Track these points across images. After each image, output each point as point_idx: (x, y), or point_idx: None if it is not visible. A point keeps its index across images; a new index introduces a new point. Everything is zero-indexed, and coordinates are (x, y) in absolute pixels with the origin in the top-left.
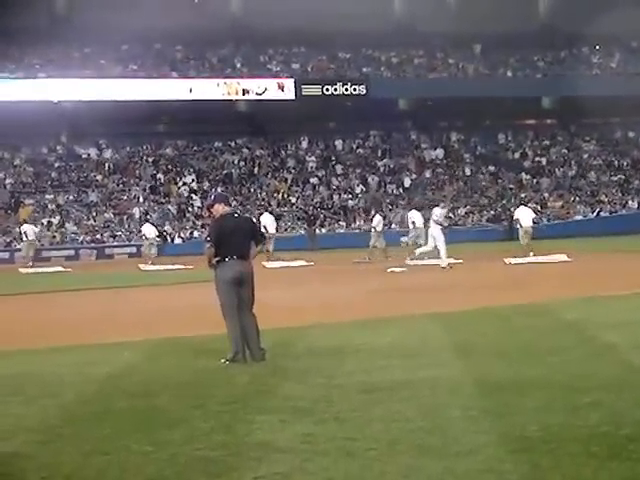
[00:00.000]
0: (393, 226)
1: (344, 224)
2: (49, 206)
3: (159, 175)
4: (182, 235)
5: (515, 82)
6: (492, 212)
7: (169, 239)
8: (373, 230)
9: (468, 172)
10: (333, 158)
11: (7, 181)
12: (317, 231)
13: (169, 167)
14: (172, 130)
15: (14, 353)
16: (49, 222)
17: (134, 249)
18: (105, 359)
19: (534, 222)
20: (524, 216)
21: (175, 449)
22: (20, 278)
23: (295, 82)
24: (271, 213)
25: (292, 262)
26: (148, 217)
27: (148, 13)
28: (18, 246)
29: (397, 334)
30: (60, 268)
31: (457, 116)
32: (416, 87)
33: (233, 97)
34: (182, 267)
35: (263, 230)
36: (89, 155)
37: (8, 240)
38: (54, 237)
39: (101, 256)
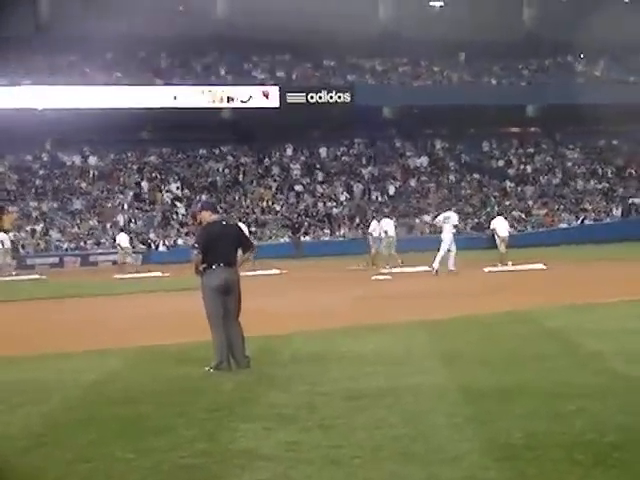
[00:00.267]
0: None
1: (329, 232)
2: (33, 213)
3: (143, 183)
4: (166, 243)
5: (499, 90)
6: (476, 220)
7: (153, 247)
8: (370, 237)
9: (453, 180)
10: (318, 166)
11: None
12: (302, 239)
13: (153, 174)
14: (156, 137)
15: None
16: (33, 229)
17: (117, 257)
18: (89, 367)
19: (509, 232)
20: (500, 226)
21: (159, 457)
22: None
23: (280, 90)
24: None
25: (267, 270)
26: (124, 226)
27: (132, 21)
28: None
29: (381, 341)
30: (37, 276)
31: (442, 124)
32: (401, 95)
33: (218, 105)
34: (159, 275)
35: None
36: (73, 162)
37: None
38: (38, 244)
39: (85, 263)
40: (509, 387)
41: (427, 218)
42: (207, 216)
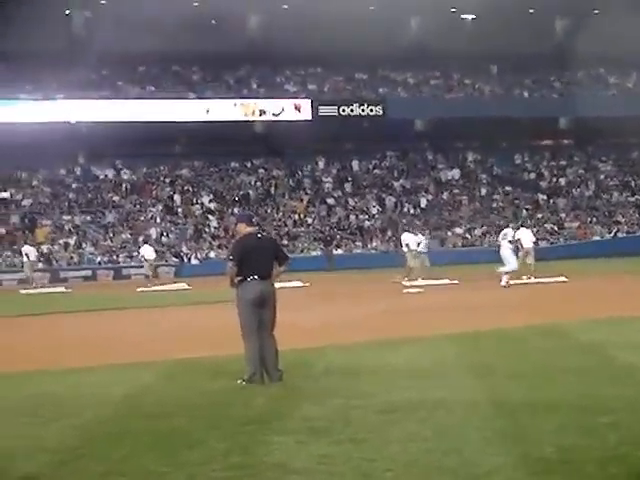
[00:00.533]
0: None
1: (360, 244)
2: (66, 227)
3: (176, 196)
4: (199, 256)
5: (531, 102)
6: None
7: (186, 259)
8: (407, 249)
9: (484, 193)
10: (350, 178)
11: (25, 202)
12: (334, 251)
13: (186, 188)
14: (189, 151)
15: (31, 374)
16: (66, 243)
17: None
18: (122, 380)
19: (534, 243)
20: (525, 237)
21: (192, 470)
22: (24, 299)
23: (312, 103)
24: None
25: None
26: (146, 239)
27: (165, 35)
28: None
29: (413, 354)
30: (62, 289)
31: (473, 137)
32: (432, 108)
33: (250, 118)
34: (182, 288)
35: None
36: (106, 176)
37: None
38: (71, 258)
39: (118, 277)
40: (541, 401)
41: (459, 230)
42: (242, 228)
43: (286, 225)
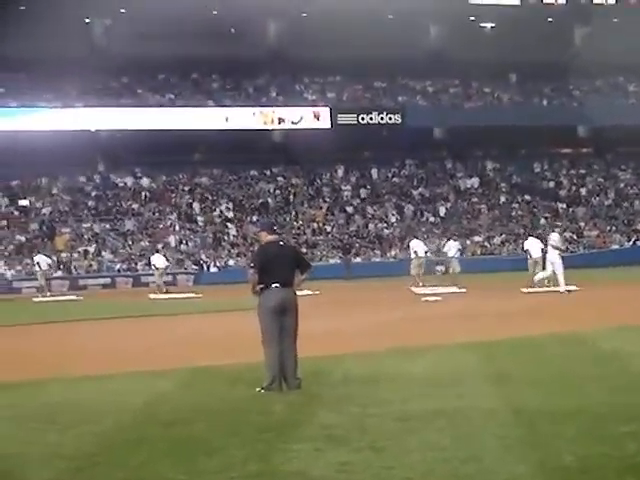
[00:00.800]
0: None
1: (379, 253)
2: (85, 235)
3: (195, 204)
4: (217, 264)
5: (550, 111)
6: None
7: (205, 267)
8: (414, 256)
9: (504, 201)
10: (368, 187)
11: (44, 209)
12: (352, 260)
13: (205, 196)
14: (208, 159)
15: (49, 382)
16: (85, 250)
17: (170, 277)
18: (140, 387)
19: (542, 252)
20: (533, 247)
21: (211, 477)
22: (37, 307)
23: (331, 111)
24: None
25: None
26: (158, 248)
27: (185, 43)
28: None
29: (431, 363)
30: (72, 297)
31: (492, 145)
32: (451, 116)
33: (269, 126)
34: (192, 296)
35: None
36: (125, 184)
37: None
38: (90, 265)
39: (137, 284)
40: (560, 409)
41: (478, 239)
42: (264, 236)
43: (305, 233)
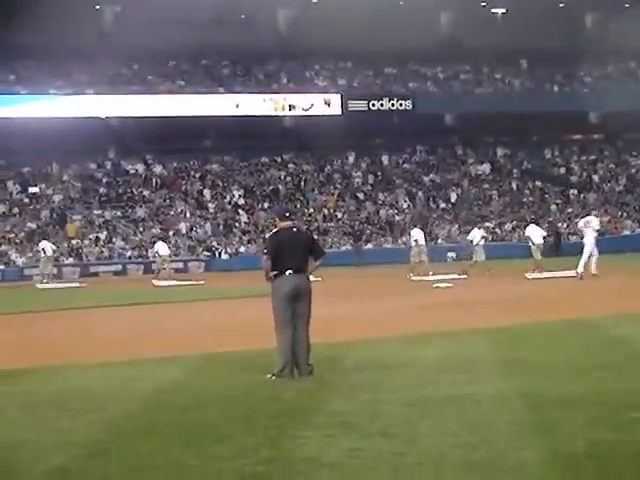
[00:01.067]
0: (439, 241)
1: (390, 239)
2: (96, 221)
3: (206, 190)
4: (229, 250)
5: (561, 97)
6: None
7: (216, 255)
8: (414, 244)
9: (514, 187)
10: (379, 173)
11: (55, 197)
12: (363, 246)
13: (216, 182)
14: (219, 145)
15: (60, 368)
16: (96, 237)
17: (181, 264)
18: (151, 374)
19: (544, 239)
20: (535, 233)
21: (222, 464)
22: (44, 294)
23: (341, 97)
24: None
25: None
26: (164, 236)
27: (195, 29)
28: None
29: (443, 349)
30: (77, 284)
31: (503, 131)
32: (462, 102)
33: (279, 113)
34: (194, 283)
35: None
36: (136, 171)
37: (56, 255)
38: (102, 252)
39: (148, 271)
40: (572, 395)
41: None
42: (278, 222)
43: (316, 220)
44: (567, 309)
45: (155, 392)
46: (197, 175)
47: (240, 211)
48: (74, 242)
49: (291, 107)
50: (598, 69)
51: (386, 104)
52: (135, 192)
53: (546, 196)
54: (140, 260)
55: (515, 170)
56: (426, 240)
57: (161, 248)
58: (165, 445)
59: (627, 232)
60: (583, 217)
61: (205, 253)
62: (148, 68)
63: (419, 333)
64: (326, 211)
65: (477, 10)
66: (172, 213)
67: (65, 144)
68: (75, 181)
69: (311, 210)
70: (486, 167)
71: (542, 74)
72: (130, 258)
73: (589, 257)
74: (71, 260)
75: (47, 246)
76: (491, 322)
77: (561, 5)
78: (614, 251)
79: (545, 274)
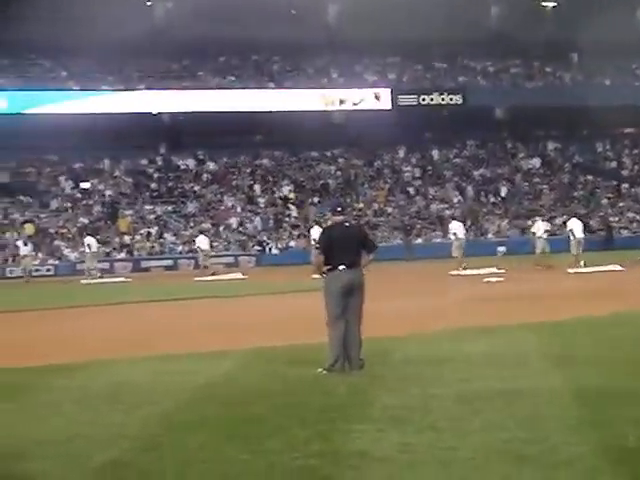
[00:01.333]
0: (489, 236)
1: (440, 234)
2: (148, 217)
3: (256, 185)
4: (279, 245)
5: (613, 90)
6: (590, 222)
7: (267, 250)
8: (454, 237)
9: (566, 181)
10: (429, 168)
11: (107, 192)
12: (413, 241)
13: (266, 177)
14: (269, 141)
15: (113, 362)
16: (148, 232)
17: (232, 259)
18: (200, 368)
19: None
20: (577, 227)
21: (273, 458)
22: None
23: (391, 92)
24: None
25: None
26: (207, 229)
27: (245, 25)
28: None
29: (493, 344)
30: (122, 279)
31: (554, 125)
32: (513, 96)
33: (329, 107)
34: (238, 277)
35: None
36: (187, 166)
37: (107, 250)
38: (153, 247)
39: (198, 266)
40: (625, 390)
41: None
42: (330, 217)
43: (366, 215)
44: (616, 303)
45: (205, 386)
46: (247, 170)
47: (290, 206)
48: (125, 237)
49: (341, 102)
50: None
51: (436, 98)
52: (186, 187)
53: (597, 190)
54: (191, 255)
55: (566, 164)
56: (466, 233)
57: (202, 242)
58: (216, 439)
59: None
60: None
61: (256, 247)
62: (199, 63)
63: (468, 327)
64: (376, 206)
65: (527, 3)
66: (222, 208)
67: (117, 140)
68: (126, 176)
69: (361, 205)
70: (536, 161)
71: (593, 67)
72: (181, 253)
73: None
74: (122, 255)
75: (92, 242)
76: (542, 316)
77: None
78: None
79: (585, 269)
